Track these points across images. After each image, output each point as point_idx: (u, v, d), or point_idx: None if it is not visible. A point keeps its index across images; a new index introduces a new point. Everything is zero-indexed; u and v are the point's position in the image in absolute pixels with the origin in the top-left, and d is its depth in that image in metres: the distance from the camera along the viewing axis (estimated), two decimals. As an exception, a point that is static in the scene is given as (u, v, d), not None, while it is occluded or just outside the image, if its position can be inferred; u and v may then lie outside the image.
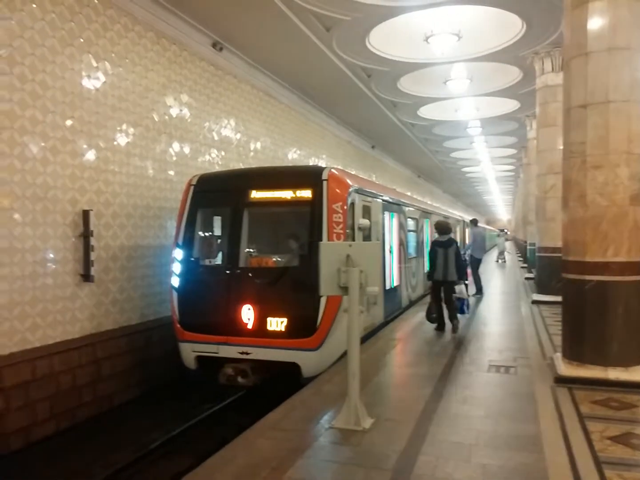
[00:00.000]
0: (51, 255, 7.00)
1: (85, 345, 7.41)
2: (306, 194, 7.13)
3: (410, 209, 12.57)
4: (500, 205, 65.97)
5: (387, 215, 9.91)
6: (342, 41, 10.90)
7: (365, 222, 7.88)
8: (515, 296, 14.05)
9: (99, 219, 7.77)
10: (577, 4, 5.97)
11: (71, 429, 7.07)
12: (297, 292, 6.81)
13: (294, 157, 14.86)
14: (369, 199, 8.54)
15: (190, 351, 7.14)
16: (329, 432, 4.52)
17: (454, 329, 8.82)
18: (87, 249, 7.41)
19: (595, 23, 5.83)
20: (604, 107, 5.78)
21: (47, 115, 6.93)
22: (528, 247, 20.39)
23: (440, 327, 9.03)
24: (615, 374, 5.63)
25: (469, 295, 12.98)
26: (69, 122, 7.28)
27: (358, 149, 21.40)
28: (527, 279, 18.17)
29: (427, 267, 9.52)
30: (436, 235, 9.35)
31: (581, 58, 5.94)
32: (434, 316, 9.16)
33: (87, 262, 7.42)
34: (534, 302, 12.29)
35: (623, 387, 5.49)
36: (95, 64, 7.75)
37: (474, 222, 15.75)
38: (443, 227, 9.31)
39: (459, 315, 9.17)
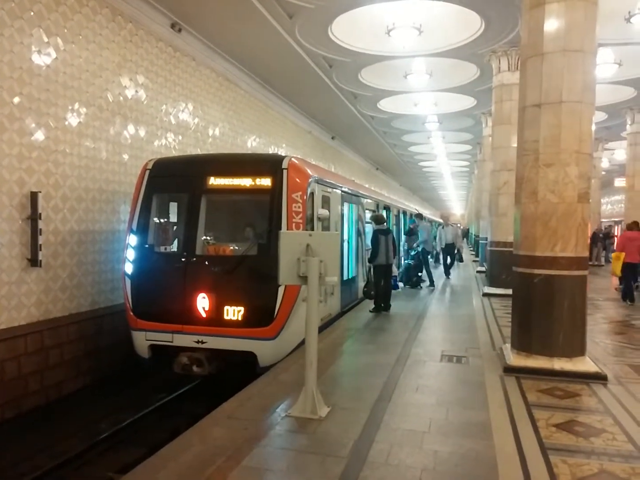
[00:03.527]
0: (-4, 239, 6.69)
1: (32, 332, 7.13)
2: (266, 182, 7.07)
3: (369, 200, 12.68)
4: (455, 200, 67.47)
5: (346, 206, 9.97)
6: (305, 29, 10.81)
7: (324, 212, 7.89)
8: (467, 289, 14.45)
9: (48, 201, 7.45)
10: (535, 5, 6.13)
11: (17, 418, 6.81)
12: (254, 281, 6.76)
13: (253, 144, 14.70)
14: (329, 189, 8.55)
15: (143, 340, 6.99)
16: (285, 420, 4.53)
17: (388, 308, 10.21)
18: (35, 232, 7.11)
19: (551, 24, 6.00)
20: (557, 107, 5.97)
21: (-7, 91, 6.58)
22: (480, 241, 20.96)
23: (378, 309, 10.07)
24: (560, 364, 5.88)
25: (421, 287, 13.73)
26: (16, 99, 6.93)
27: (318, 140, 21.38)
28: (478, 272, 18.70)
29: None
30: (374, 225, 10.42)
31: (537, 58, 6.11)
32: (372, 293, 10.39)
33: (34, 246, 7.12)
34: (485, 294, 12.68)
35: (567, 377, 5.75)
36: (46, 39, 7.39)
37: (419, 217, 16.37)
38: (380, 218, 10.54)
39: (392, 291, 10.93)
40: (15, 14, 6.86)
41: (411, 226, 15.70)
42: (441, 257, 17.98)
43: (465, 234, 50.67)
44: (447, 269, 17.02)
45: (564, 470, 3.66)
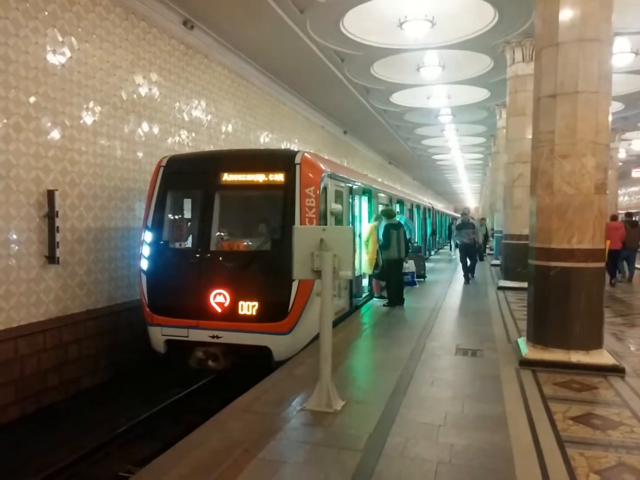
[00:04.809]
0: (14, 236, 6.79)
1: (51, 328, 7.24)
2: (279, 177, 7.08)
3: (382, 194, 12.65)
4: (469, 194, 66.96)
5: (359, 200, 9.95)
6: (316, 24, 10.78)
7: (337, 207, 7.88)
8: (482, 282, 14.35)
9: (65, 199, 7.55)
10: (550, -6, 6.04)
11: (37, 413, 6.93)
12: (268, 276, 6.78)
13: (266, 140, 14.72)
14: (342, 184, 8.54)
15: (159, 335, 7.06)
16: (301, 414, 4.56)
17: (402, 301, 10.16)
18: (52, 230, 7.21)
19: (566, 14, 5.92)
20: (572, 97, 5.89)
21: (9, 91, 6.66)
22: (495, 234, 20.78)
23: (392, 303, 10.02)
24: (577, 357, 5.82)
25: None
26: (32, 99, 7.02)
27: (330, 134, 21.34)
28: (493, 265, 18.57)
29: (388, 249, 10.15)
30: (385, 219, 10.27)
31: (552, 48, 6.03)
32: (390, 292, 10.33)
33: (52, 244, 7.22)
34: (500, 288, 12.59)
35: (584, 370, 5.70)
36: (60, 39, 7.47)
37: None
38: (390, 212, 10.50)
39: (408, 287, 11.42)
40: (29, 14, 6.93)
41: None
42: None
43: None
44: (467, 272, 14.50)
45: (581, 463, 3.63)
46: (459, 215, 19.57)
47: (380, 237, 10.11)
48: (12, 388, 6.67)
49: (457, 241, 14.46)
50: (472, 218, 16.31)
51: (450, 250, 20.64)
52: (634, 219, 15.87)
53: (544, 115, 6.15)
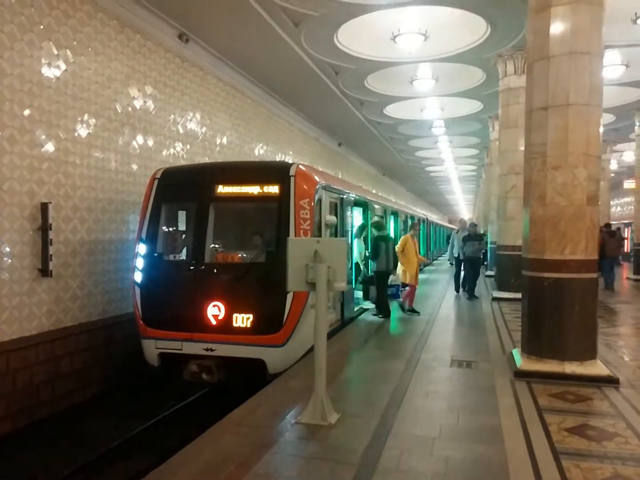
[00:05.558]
0: (7, 249, 6.75)
1: (43, 342, 7.17)
2: (273, 189, 7.09)
3: (376, 206, 12.69)
4: (462, 205, 67.26)
5: (353, 212, 9.98)
6: (311, 37, 10.88)
7: (332, 218, 7.91)
8: (476, 293, 14.33)
9: (58, 212, 7.53)
10: (541, 9, 6.13)
11: (29, 427, 6.85)
12: (263, 288, 6.76)
13: (260, 152, 14.76)
14: (336, 195, 8.57)
15: (153, 348, 7.01)
16: (295, 427, 4.53)
17: (381, 312, 10.14)
18: (46, 242, 7.17)
19: (557, 27, 6.00)
20: (564, 109, 5.96)
21: (4, 104, 6.66)
22: (489, 245, 20.81)
23: (387, 315, 10.04)
24: (571, 368, 5.83)
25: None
26: (27, 112, 7.02)
27: (325, 146, 21.43)
28: (487, 276, 18.60)
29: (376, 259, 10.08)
30: (375, 232, 10.31)
31: (543, 61, 6.11)
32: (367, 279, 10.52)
33: (45, 257, 7.17)
34: (494, 299, 12.61)
35: (579, 381, 5.70)
36: (55, 52, 7.49)
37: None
38: (381, 225, 10.57)
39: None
40: (25, 27, 6.96)
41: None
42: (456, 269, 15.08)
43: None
44: (461, 285, 14.17)
45: (576, 474, 3.62)
46: (454, 227, 19.29)
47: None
48: (3, 402, 6.60)
49: (465, 254, 13.34)
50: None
51: (450, 263, 18.99)
52: (612, 229, 16.07)
53: (536, 128, 6.21)
